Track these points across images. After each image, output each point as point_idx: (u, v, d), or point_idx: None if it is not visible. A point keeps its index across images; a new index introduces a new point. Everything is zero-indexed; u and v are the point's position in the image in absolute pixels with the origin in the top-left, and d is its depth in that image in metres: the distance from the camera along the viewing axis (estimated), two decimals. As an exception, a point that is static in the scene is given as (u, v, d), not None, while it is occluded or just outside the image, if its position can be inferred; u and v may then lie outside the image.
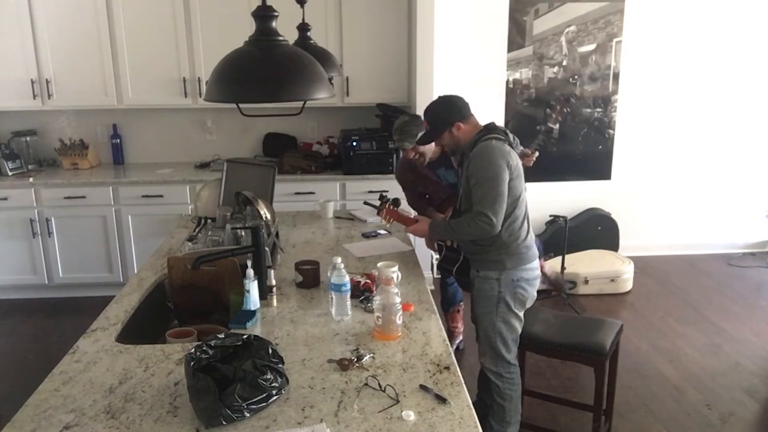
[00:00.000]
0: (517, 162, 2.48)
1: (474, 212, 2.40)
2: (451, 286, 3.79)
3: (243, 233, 2.57)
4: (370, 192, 4.53)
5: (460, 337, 3.89)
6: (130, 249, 4.63)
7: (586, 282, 4.71)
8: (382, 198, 3.02)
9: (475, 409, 1.64)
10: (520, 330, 2.62)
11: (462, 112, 2.55)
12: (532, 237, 2.59)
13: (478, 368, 2.75)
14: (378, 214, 3.00)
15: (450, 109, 2.56)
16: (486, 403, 2.73)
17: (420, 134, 3.02)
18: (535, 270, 2.58)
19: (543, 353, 2.81)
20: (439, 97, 2.65)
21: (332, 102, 4.70)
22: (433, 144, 3.27)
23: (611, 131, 5.36)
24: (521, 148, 3.14)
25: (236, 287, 2.24)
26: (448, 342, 1.99)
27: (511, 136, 2.54)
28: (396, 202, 3.00)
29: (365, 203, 3.24)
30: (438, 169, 3.42)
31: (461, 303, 3.83)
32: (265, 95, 1.53)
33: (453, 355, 1.91)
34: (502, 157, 2.40)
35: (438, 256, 2.96)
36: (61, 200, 4.51)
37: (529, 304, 2.62)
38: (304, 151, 4.93)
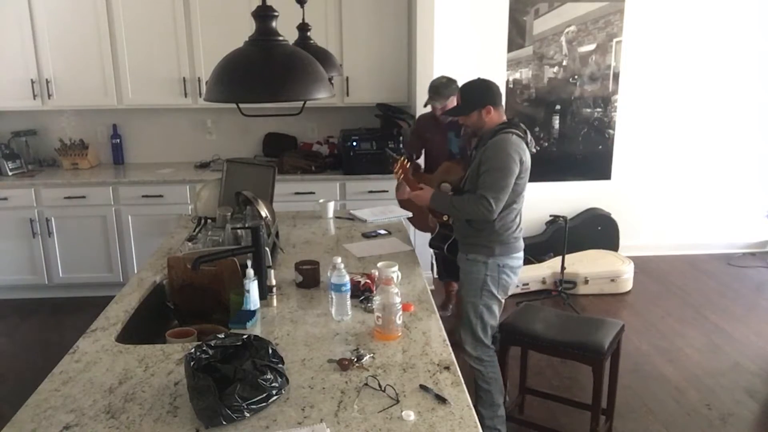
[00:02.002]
0: (528, 160, 2.60)
1: (478, 195, 2.53)
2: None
3: (243, 233, 2.57)
4: (370, 192, 4.54)
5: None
6: (130, 249, 4.63)
7: (586, 282, 4.71)
8: (398, 152, 3.27)
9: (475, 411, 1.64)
10: (498, 317, 2.77)
11: (495, 98, 2.65)
12: (521, 230, 2.73)
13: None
14: (392, 165, 3.05)
15: (486, 91, 2.65)
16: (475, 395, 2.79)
17: (449, 95, 3.49)
18: (519, 260, 2.73)
19: (542, 351, 2.84)
20: (479, 78, 2.72)
21: (332, 102, 4.70)
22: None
23: (611, 131, 5.36)
24: (535, 149, 3.25)
25: (236, 287, 2.23)
26: (448, 342, 1.99)
27: (528, 135, 2.65)
28: (411, 159, 3.23)
29: (386, 148, 3.36)
30: (450, 131, 3.67)
31: None
32: (265, 95, 1.53)
33: (453, 354, 1.91)
34: (516, 153, 2.53)
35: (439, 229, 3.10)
36: (61, 200, 4.51)
37: (510, 291, 2.76)
38: (304, 151, 4.93)
